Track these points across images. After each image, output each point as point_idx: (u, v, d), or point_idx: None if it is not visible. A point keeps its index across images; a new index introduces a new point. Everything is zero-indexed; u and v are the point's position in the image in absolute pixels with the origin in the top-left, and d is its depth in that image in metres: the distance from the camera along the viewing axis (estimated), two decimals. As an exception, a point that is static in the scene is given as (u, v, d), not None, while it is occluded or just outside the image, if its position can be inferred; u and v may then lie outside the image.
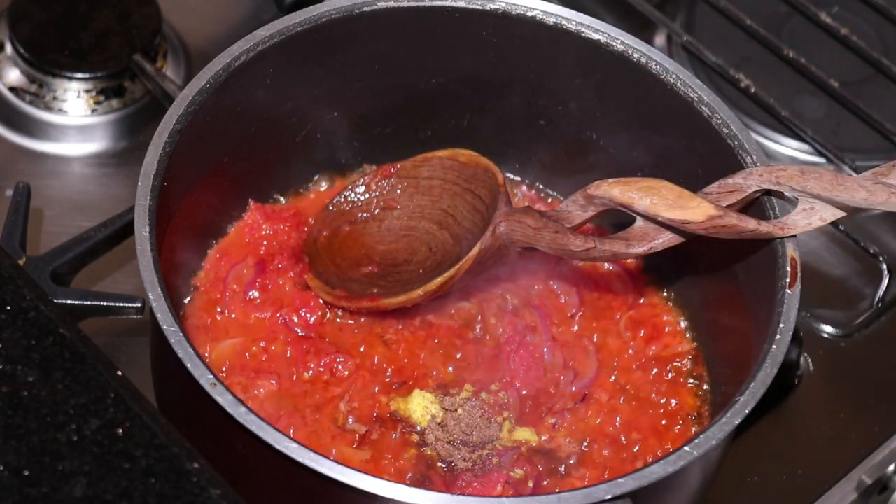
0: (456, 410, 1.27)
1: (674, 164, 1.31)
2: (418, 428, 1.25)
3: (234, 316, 1.31)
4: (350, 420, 1.25)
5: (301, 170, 1.41)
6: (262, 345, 1.29)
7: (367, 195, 1.38)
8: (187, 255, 1.33)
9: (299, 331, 1.30)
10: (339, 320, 1.32)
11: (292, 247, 1.36)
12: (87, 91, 1.55)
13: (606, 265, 1.38)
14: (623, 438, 1.28)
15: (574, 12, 1.33)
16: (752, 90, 1.60)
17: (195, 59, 1.60)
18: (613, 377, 1.32)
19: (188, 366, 1.08)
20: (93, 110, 1.55)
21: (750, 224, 1.19)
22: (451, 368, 1.30)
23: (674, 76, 1.30)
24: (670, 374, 1.32)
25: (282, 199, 1.40)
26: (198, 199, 1.30)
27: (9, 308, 1.02)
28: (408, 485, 1.07)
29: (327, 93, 1.36)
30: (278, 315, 1.31)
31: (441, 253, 1.33)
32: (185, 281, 1.33)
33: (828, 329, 1.48)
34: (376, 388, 1.27)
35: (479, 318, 1.34)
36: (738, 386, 1.14)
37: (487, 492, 1.21)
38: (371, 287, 1.32)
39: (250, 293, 1.32)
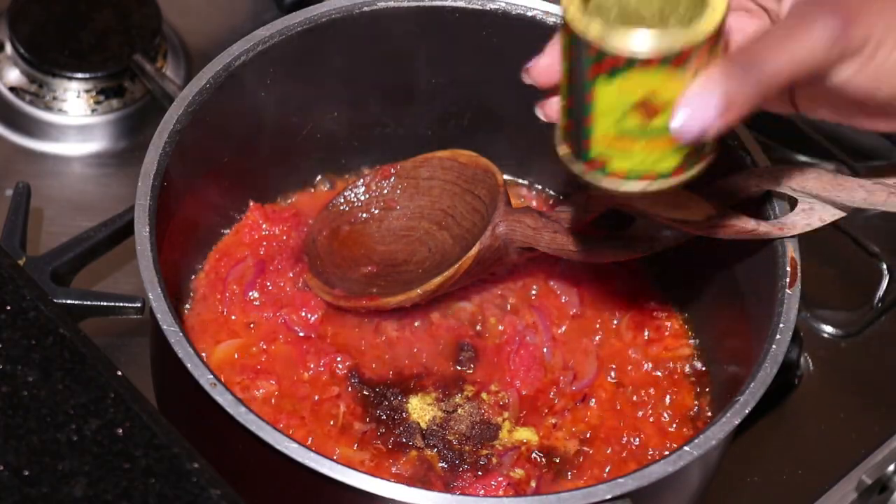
0: (456, 410, 1.27)
1: (674, 164, 1.31)
2: (418, 428, 1.25)
3: (234, 316, 1.31)
4: (350, 420, 1.25)
5: (301, 170, 1.40)
6: (262, 345, 1.29)
7: (366, 195, 1.38)
8: (187, 255, 1.33)
9: (299, 331, 1.30)
10: (338, 320, 1.32)
11: (292, 247, 1.35)
12: (87, 91, 1.55)
13: (606, 265, 1.38)
14: (623, 438, 1.28)
15: (574, 12, 1.32)
16: (752, 90, 1.60)
17: (195, 59, 1.60)
18: (613, 377, 1.32)
19: (188, 366, 1.08)
20: (93, 110, 1.55)
21: (749, 224, 1.19)
22: (451, 368, 1.30)
23: (674, 76, 1.30)
24: (670, 374, 1.32)
25: (282, 199, 1.40)
26: (198, 199, 1.30)
27: (9, 308, 1.02)
28: (408, 485, 1.07)
29: (327, 93, 1.36)
30: (278, 315, 1.31)
31: (440, 253, 1.33)
32: (185, 281, 1.33)
33: (828, 329, 1.48)
34: (376, 389, 1.27)
35: (479, 318, 1.34)
36: (738, 386, 1.14)
37: (488, 492, 1.21)
38: (370, 287, 1.32)
39: (250, 293, 1.32)
